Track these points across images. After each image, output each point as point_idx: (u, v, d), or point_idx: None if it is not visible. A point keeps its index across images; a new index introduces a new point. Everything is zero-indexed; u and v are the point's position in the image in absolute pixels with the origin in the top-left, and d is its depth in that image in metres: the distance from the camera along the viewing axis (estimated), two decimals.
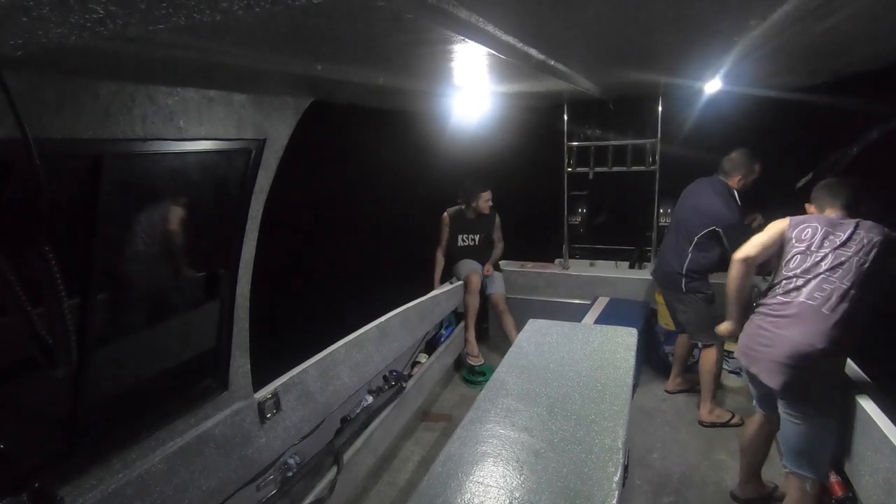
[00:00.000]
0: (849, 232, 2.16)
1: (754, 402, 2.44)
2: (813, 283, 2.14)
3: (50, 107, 1.24)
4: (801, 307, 2.12)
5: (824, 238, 2.20)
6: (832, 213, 2.29)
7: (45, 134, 1.24)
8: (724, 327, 2.57)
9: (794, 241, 2.27)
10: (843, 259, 2.12)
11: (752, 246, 2.36)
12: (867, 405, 2.13)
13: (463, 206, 4.49)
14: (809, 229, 2.26)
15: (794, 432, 2.15)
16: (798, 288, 2.17)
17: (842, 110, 3.80)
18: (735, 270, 2.36)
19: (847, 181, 2.35)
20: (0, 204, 1.27)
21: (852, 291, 2.06)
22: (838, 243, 2.16)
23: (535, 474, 1.62)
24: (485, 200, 4.37)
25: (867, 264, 2.08)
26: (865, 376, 2.34)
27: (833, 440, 2.16)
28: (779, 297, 2.22)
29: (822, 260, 2.16)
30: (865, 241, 2.12)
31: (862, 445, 2.08)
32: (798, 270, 2.20)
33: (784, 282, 2.23)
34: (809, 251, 2.21)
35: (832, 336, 2.02)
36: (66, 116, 1.28)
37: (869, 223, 2.19)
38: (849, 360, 2.35)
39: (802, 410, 2.12)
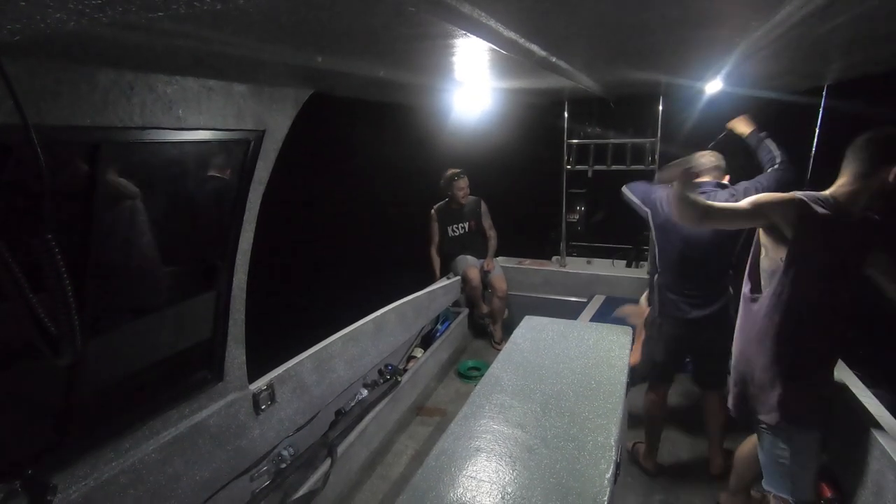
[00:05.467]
0: None
1: None
2: None
3: (48, 93, 1.23)
4: None
5: None
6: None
7: (43, 121, 1.24)
8: None
9: None
10: None
11: None
12: (855, 406, 2.14)
13: (447, 199, 4.59)
14: None
15: (765, 452, 2.02)
16: None
17: (844, 114, 3.81)
18: None
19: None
20: (1, 190, 1.27)
21: None
22: None
23: (528, 470, 1.63)
24: (459, 188, 4.46)
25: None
26: (853, 376, 2.35)
27: (810, 459, 1.95)
28: None
29: None
30: None
31: (850, 446, 2.09)
32: None
33: None
34: None
35: None
36: (65, 103, 1.27)
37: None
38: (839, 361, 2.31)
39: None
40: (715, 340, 2.54)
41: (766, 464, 2.03)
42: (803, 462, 1.94)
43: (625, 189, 2.87)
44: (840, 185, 1.81)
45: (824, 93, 3.64)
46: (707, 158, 2.65)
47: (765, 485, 2.06)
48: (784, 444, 1.94)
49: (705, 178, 2.61)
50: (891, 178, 1.66)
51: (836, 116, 3.75)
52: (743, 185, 2.55)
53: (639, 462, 2.97)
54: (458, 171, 4.51)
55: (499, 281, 4.54)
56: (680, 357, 2.84)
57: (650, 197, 2.73)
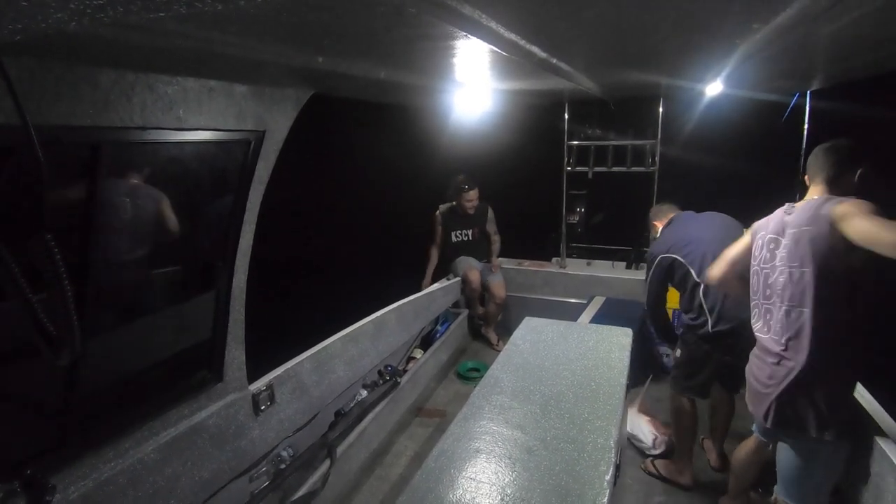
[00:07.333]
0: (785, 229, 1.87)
1: (754, 426, 2.21)
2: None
3: (49, 93, 1.23)
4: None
5: (769, 246, 1.94)
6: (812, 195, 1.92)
7: (43, 121, 1.24)
8: None
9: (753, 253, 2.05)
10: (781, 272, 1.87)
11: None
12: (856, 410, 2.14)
13: (454, 203, 4.54)
14: (759, 237, 2.00)
15: (790, 460, 1.98)
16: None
17: (842, 115, 3.85)
18: None
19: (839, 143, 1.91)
20: (1, 190, 1.27)
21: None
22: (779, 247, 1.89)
23: (528, 472, 1.63)
24: (467, 200, 4.39)
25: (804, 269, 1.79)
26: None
27: (836, 471, 1.96)
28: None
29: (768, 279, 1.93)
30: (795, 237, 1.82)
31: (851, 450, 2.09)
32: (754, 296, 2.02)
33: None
34: (760, 268, 1.97)
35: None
36: (65, 103, 1.27)
37: (805, 205, 1.86)
38: None
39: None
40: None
41: (787, 473, 2.00)
42: (826, 473, 1.94)
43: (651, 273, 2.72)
44: (818, 192, 1.92)
45: (808, 97, 3.76)
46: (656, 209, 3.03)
47: (778, 492, 2.04)
48: (810, 457, 1.93)
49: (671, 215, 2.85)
50: (855, 178, 1.86)
51: (835, 119, 3.82)
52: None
53: (670, 479, 2.77)
54: (468, 180, 4.40)
55: (498, 288, 4.52)
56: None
57: (675, 249, 2.61)
